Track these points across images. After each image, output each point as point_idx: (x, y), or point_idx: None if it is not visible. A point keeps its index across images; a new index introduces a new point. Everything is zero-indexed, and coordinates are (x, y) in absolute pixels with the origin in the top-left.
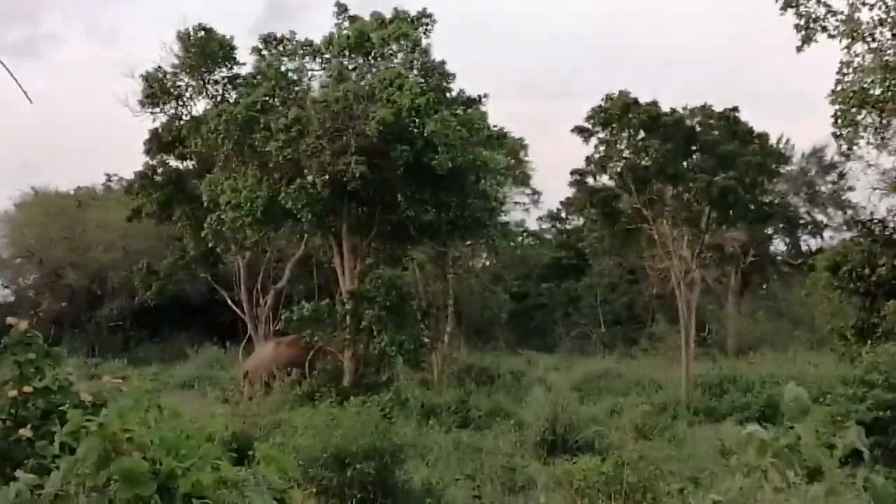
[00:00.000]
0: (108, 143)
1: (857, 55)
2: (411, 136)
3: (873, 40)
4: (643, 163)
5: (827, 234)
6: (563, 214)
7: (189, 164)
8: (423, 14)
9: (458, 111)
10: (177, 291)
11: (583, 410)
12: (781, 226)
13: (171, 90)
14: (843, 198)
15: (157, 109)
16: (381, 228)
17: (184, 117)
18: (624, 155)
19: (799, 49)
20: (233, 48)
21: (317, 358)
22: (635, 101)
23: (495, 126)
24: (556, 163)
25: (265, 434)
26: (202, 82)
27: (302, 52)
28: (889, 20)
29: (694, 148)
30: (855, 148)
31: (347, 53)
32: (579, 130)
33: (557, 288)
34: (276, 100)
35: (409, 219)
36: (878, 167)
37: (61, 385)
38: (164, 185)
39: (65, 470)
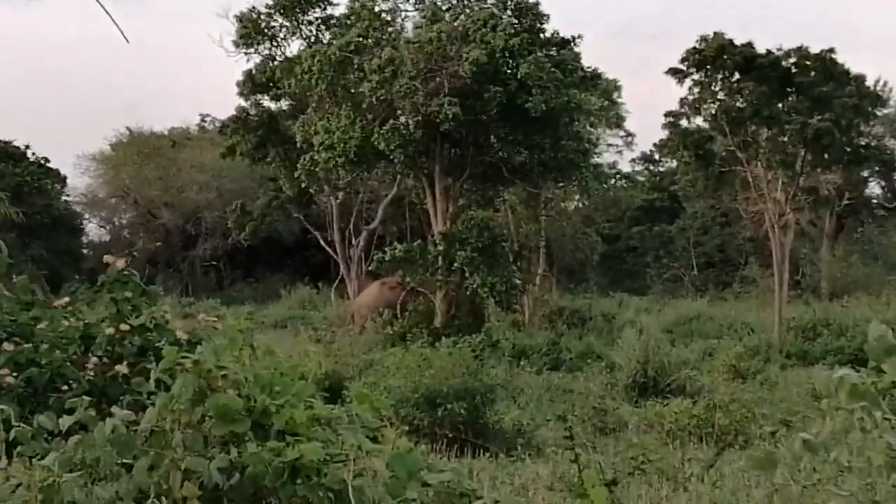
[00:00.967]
0: (203, 85)
1: None
2: (504, 77)
3: None
4: (738, 105)
5: None
6: (657, 157)
7: (283, 104)
8: None
9: (551, 52)
10: (270, 232)
11: (674, 353)
12: (877, 169)
13: (265, 31)
14: None
15: (252, 50)
16: (474, 170)
17: (277, 58)
18: (718, 97)
19: None
20: None
21: (409, 299)
22: (730, 42)
23: (589, 67)
24: (649, 105)
25: (357, 374)
26: (296, 23)
27: None
28: None
29: (789, 90)
30: None
31: None
32: (674, 72)
33: (649, 231)
34: (369, 40)
35: (501, 160)
36: None
37: (157, 323)
38: (258, 125)
39: (160, 406)
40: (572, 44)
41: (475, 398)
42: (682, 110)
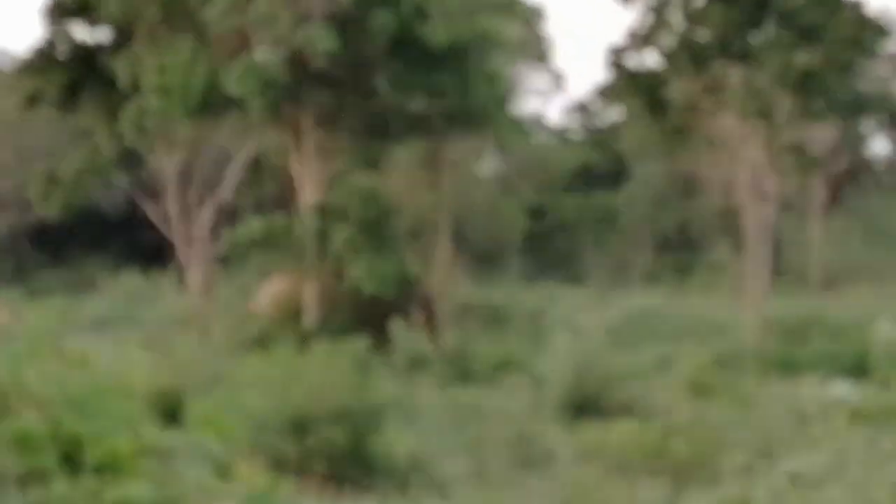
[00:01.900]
0: None
1: None
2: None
3: None
4: (700, 36)
5: None
6: (595, 105)
7: (102, 35)
8: None
9: None
10: (86, 204)
11: (620, 362)
12: (883, 121)
13: None
14: None
15: None
16: (356, 122)
17: None
18: (675, 26)
19: None
20: None
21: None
22: None
23: None
24: (586, 37)
25: (203, 390)
26: None
27: None
28: None
29: (767, 17)
30: None
31: None
32: None
33: (587, 202)
34: None
35: (392, 109)
36: None
37: None
38: (68, 63)
39: None
40: None
41: (357, 422)
42: (631, 44)
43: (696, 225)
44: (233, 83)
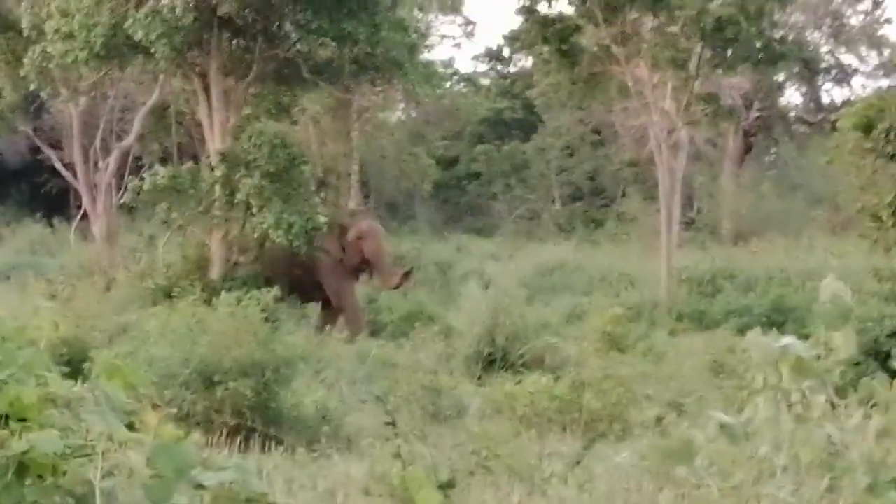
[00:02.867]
0: None
1: None
2: None
3: None
4: None
5: (857, 81)
6: (506, 53)
7: None
8: None
9: None
10: None
11: (531, 315)
12: (796, 70)
13: None
14: (879, 34)
15: None
16: (264, 68)
17: None
18: None
19: None
20: None
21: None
22: None
23: None
24: None
25: (107, 341)
26: None
27: None
28: None
29: None
30: None
31: None
32: None
33: (498, 151)
34: None
35: (300, 55)
36: None
37: None
38: None
39: None
40: None
41: (265, 375)
42: None
43: (607, 176)
44: (137, 28)
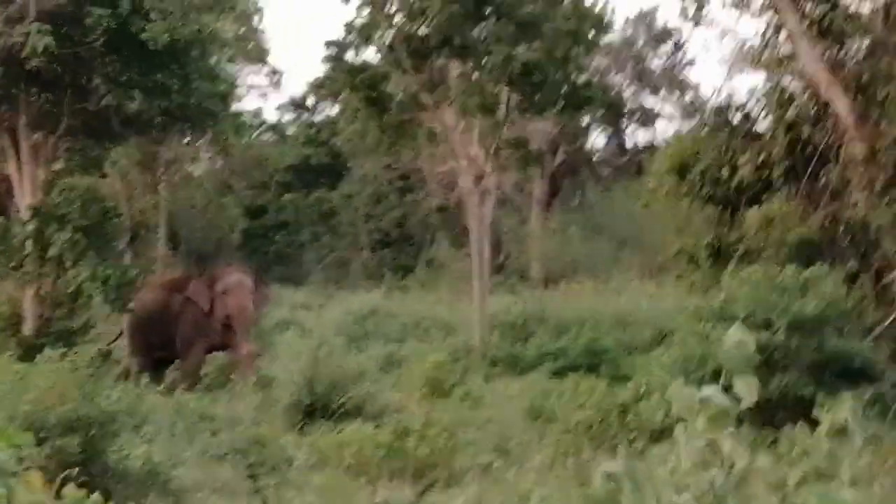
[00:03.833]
0: None
1: None
2: None
3: None
4: (420, 30)
5: (660, 124)
6: (311, 101)
7: None
8: None
9: None
10: None
11: (349, 362)
12: (601, 114)
13: None
14: (681, 78)
15: None
16: (73, 121)
17: None
18: (395, 20)
19: None
20: None
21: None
22: None
23: None
24: (302, 32)
25: None
26: None
27: None
28: None
29: (487, 11)
30: (705, 10)
31: None
32: None
33: (305, 199)
34: None
35: (109, 108)
36: (734, 35)
37: None
38: None
39: None
40: None
41: (90, 430)
42: (348, 38)
43: (415, 222)
44: None
